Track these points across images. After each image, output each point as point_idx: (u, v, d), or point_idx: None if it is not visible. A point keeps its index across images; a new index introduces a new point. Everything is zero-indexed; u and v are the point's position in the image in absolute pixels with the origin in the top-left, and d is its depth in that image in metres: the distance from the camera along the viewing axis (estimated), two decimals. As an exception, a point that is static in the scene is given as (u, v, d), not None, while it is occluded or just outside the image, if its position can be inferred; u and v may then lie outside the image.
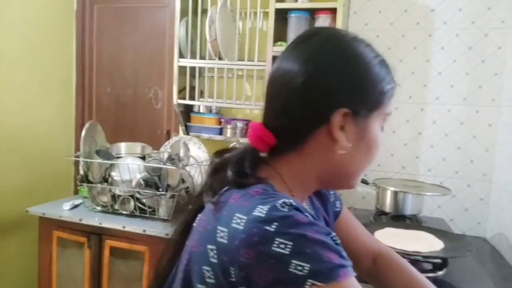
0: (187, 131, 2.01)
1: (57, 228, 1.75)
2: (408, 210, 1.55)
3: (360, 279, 0.53)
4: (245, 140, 1.94)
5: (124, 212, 1.71)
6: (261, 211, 0.48)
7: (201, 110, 2.02)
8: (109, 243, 1.67)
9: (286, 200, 0.50)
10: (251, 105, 1.88)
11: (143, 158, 1.80)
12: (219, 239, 0.50)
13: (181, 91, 1.92)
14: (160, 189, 1.66)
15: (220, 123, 1.99)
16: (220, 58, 1.84)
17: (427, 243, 1.12)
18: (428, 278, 1.03)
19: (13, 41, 1.93)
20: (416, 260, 1.05)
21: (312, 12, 1.73)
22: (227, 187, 0.56)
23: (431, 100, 1.78)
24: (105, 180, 1.74)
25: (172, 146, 1.84)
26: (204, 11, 1.87)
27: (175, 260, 0.60)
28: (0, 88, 1.89)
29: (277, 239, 0.46)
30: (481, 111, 1.71)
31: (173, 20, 1.90)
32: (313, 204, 0.73)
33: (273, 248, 0.46)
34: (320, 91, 0.56)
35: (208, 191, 0.56)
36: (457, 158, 1.75)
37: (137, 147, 1.86)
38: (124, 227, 1.62)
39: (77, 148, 2.22)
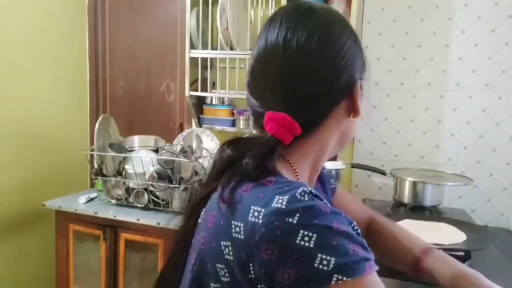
0: (199, 123, 1.99)
1: (73, 221, 1.76)
2: (428, 201, 1.50)
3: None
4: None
5: (138, 205, 1.71)
6: (280, 202, 0.45)
7: (214, 102, 1.99)
8: (124, 236, 1.67)
9: (305, 188, 0.47)
10: (264, 95, 1.85)
11: (156, 151, 1.79)
12: (235, 235, 0.47)
13: (193, 83, 1.90)
14: (173, 182, 1.65)
15: (233, 114, 1.96)
16: (231, 48, 1.81)
17: (448, 235, 1.08)
18: (450, 271, 1.00)
19: (26, 36, 1.94)
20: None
21: (326, -2, 1.68)
22: (236, 179, 0.52)
23: (451, 86, 1.71)
24: (119, 173, 1.74)
25: (184, 138, 1.83)
26: (215, 1, 1.84)
27: (181, 260, 0.57)
28: (15, 82, 1.90)
29: (301, 231, 0.43)
30: (504, 98, 1.64)
31: (184, 11, 1.87)
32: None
33: (297, 242, 0.43)
34: (347, 61, 0.55)
35: (224, 184, 0.52)
36: (479, 146, 1.69)
37: (150, 140, 1.85)
38: (138, 220, 1.62)
39: (92, 142, 2.24)
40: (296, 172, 0.56)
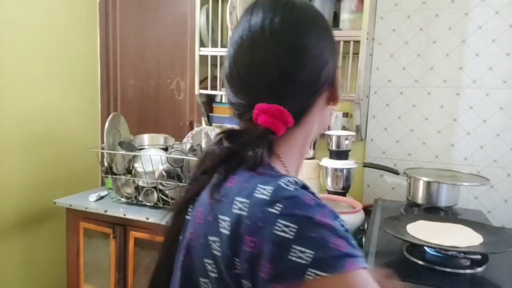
0: (209, 121, 1.98)
1: (84, 219, 1.77)
2: (443, 202, 1.46)
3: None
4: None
5: (147, 204, 1.71)
6: (264, 192, 0.44)
7: (223, 100, 1.98)
8: (133, 234, 1.67)
9: (290, 179, 0.46)
10: (274, 93, 1.82)
11: (165, 149, 1.78)
12: (222, 230, 0.46)
13: (203, 81, 1.89)
14: (182, 180, 1.64)
15: (242, 112, 1.94)
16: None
17: (464, 237, 1.04)
18: (466, 274, 0.96)
19: (37, 35, 1.96)
20: (454, 256, 0.97)
21: (337, -6, 1.65)
22: (227, 173, 0.51)
23: (468, 83, 1.66)
24: (129, 171, 1.74)
25: (194, 137, 1.82)
26: (225, -2, 1.82)
27: (170, 257, 0.55)
28: (26, 82, 1.92)
29: (280, 221, 0.42)
30: (524, 95, 1.58)
31: (194, 9, 1.86)
32: None
33: (275, 232, 0.41)
34: (328, 51, 0.55)
35: (218, 177, 0.51)
36: (496, 145, 1.63)
37: (160, 138, 1.85)
38: (147, 218, 1.61)
39: (102, 140, 2.25)
40: (284, 164, 0.55)
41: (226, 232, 0.45)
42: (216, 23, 1.86)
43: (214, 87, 1.89)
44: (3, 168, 1.82)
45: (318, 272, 0.40)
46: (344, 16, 1.64)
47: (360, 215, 1.43)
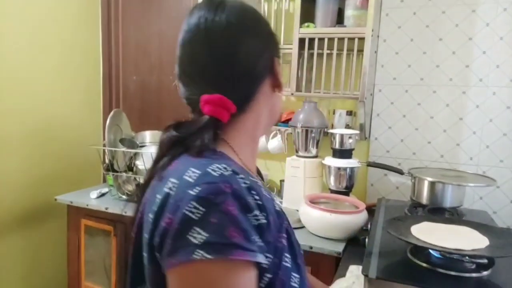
0: (211, 118, 1.96)
1: (85, 216, 1.76)
2: (448, 203, 1.43)
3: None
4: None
5: (149, 201, 1.69)
6: (192, 175, 0.49)
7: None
8: (134, 232, 1.66)
9: (222, 165, 0.50)
10: (277, 90, 1.80)
11: (167, 146, 1.76)
12: (154, 207, 0.50)
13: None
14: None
15: (245, 110, 1.92)
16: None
17: (470, 240, 1.01)
18: (472, 278, 0.94)
19: (39, 31, 1.94)
20: (459, 259, 0.95)
21: (342, -10, 1.62)
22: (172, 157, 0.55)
23: (474, 82, 1.63)
24: (130, 169, 1.73)
25: (196, 134, 1.80)
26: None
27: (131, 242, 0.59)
28: (28, 78, 1.91)
29: (193, 203, 0.45)
30: (532, 94, 1.55)
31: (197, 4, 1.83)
32: None
33: (185, 211, 0.45)
34: (263, 43, 0.60)
35: (164, 164, 0.55)
36: (502, 145, 1.60)
37: (162, 135, 1.83)
38: (148, 216, 1.60)
39: (105, 137, 2.24)
40: (234, 149, 0.59)
41: (155, 208, 0.49)
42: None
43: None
44: (4, 165, 1.82)
45: (204, 254, 0.43)
46: (349, 12, 1.62)
47: (363, 215, 1.41)
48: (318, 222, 1.40)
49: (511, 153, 1.59)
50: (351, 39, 1.60)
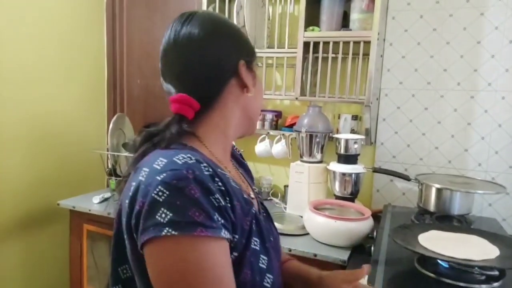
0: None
1: (87, 221, 1.75)
2: (456, 210, 1.40)
3: None
4: (274, 132, 1.85)
5: (151, 206, 1.68)
6: (160, 164, 0.55)
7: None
8: (136, 237, 1.64)
9: (186, 155, 0.56)
10: (281, 95, 1.78)
11: (170, 151, 1.75)
12: (129, 193, 0.56)
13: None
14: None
15: (249, 114, 1.90)
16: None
17: (479, 250, 0.98)
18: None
19: (44, 35, 1.94)
20: (468, 270, 0.92)
21: (348, -7, 1.60)
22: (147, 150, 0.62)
23: (483, 86, 1.60)
24: (132, 173, 1.71)
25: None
26: (232, -2, 1.79)
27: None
28: (33, 81, 1.90)
29: (160, 187, 0.52)
30: (542, 98, 1.51)
31: (201, 8, 1.83)
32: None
33: (153, 195, 0.52)
34: (226, 48, 0.67)
35: (138, 158, 0.62)
36: (511, 151, 1.57)
37: (165, 139, 1.82)
38: (151, 221, 1.58)
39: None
40: (205, 144, 0.66)
41: (131, 194, 0.56)
42: (223, 23, 1.82)
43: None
44: (7, 169, 1.81)
45: (170, 230, 0.50)
46: (354, 16, 1.59)
47: (369, 223, 1.38)
48: (323, 229, 1.37)
49: (521, 159, 1.55)
50: (357, 43, 1.58)
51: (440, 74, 1.65)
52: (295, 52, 1.66)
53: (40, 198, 1.97)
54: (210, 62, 0.66)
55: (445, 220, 1.36)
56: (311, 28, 1.63)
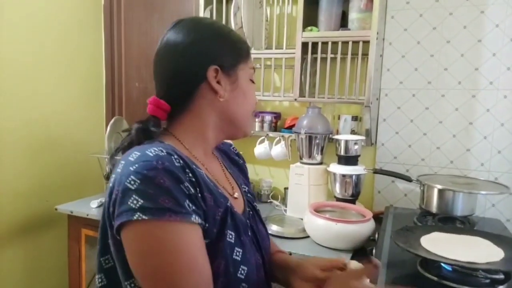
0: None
1: (85, 226, 1.73)
2: (459, 211, 1.37)
3: None
4: (274, 134, 1.83)
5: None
6: (134, 156, 0.58)
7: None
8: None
9: (158, 147, 0.59)
10: (280, 96, 1.76)
11: (168, 154, 1.73)
12: (110, 185, 0.60)
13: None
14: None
15: (248, 116, 1.88)
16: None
17: (484, 252, 0.96)
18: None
19: (42, 39, 1.93)
20: (472, 273, 0.89)
21: (346, -8, 1.58)
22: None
23: (484, 85, 1.57)
24: (130, 177, 1.70)
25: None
26: (230, 0, 1.77)
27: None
28: (30, 84, 1.89)
29: (132, 176, 0.56)
30: (545, 97, 1.49)
31: (199, 10, 1.81)
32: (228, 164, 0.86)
33: (126, 183, 0.56)
34: (197, 55, 0.69)
35: (120, 153, 0.67)
36: (515, 150, 1.54)
37: (163, 142, 1.80)
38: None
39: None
40: (182, 143, 0.70)
41: (110, 185, 0.60)
42: (221, 24, 1.81)
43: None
44: (5, 174, 1.80)
45: (141, 215, 0.54)
46: (353, 15, 1.58)
47: (370, 225, 1.35)
48: (323, 231, 1.35)
49: (524, 158, 1.53)
50: (356, 43, 1.56)
51: (441, 74, 1.63)
52: (294, 53, 1.64)
53: (38, 202, 1.96)
54: (179, 68, 0.69)
55: (447, 221, 1.34)
56: (309, 28, 1.61)
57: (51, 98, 2.00)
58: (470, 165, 1.61)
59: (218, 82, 0.70)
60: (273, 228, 1.48)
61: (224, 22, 1.78)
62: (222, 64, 0.70)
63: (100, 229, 0.64)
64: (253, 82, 0.76)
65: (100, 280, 0.66)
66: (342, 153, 1.59)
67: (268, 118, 1.85)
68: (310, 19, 1.64)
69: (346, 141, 1.58)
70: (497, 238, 1.05)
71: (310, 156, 1.66)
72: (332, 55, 1.60)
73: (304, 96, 1.69)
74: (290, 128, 1.79)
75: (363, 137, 1.62)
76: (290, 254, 1.33)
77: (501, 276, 0.90)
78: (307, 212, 1.43)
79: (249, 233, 0.73)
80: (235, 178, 0.83)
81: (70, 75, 2.11)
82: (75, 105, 2.15)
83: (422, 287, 0.93)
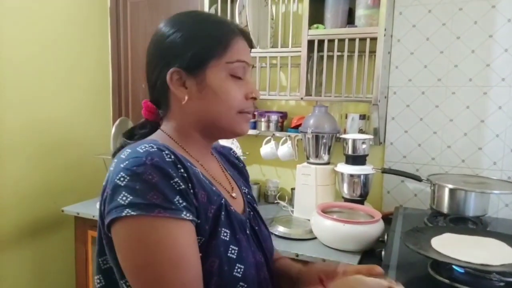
0: (220, 125, 1.91)
1: (91, 227, 1.73)
2: (471, 211, 1.33)
3: None
4: (280, 134, 1.81)
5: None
6: (125, 154, 0.58)
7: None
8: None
9: (147, 145, 0.59)
10: (286, 95, 1.74)
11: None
12: (104, 184, 0.60)
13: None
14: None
15: (254, 116, 1.87)
16: (251, 47, 1.71)
17: (497, 254, 0.92)
18: (501, 297, 0.85)
19: (49, 41, 1.93)
20: (486, 276, 0.86)
21: (352, -11, 1.56)
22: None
23: (496, 82, 1.53)
24: (136, 178, 1.69)
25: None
26: (235, -3, 1.75)
27: None
28: (36, 87, 1.90)
29: (121, 173, 0.56)
30: (560, 93, 1.44)
31: (204, 10, 1.80)
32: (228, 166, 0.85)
33: (115, 180, 0.56)
34: (158, 56, 0.68)
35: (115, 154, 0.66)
36: (529, 149, 1.50)
37: (169, 143, 1.79)
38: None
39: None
40: (177, 142, 0.69)
41: (104, 183, 0.60)
42: (226, 24, 1.79)
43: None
44: (12, 175, 1.80)
45: (130, 211, 0.54)
46: (360, 12, 1.55)
47: (379, 226, 1.32)
48: (331, 233, 1.32)
49: (538, 156, 1.48)
50: (363, 40, 1.53)
51: (451, 70, 1.59)
52: (300, 51, 1.61)
53: (45, 204, 1.96)
54: (149, 70, 0.70)
55: (459, 222, 1.30)
56: (315, 26, 1.59)
57: (58, 100, 2.01)
58: (482, 164, 1.57)
59: (184, 83, 0.66)
60: (279, 229, 1.46)
61: (229, 21, 1.77)
62: (183, 65, 0.66)
63: (98, 229, 0.64)
64: (237, 77, 0.68)
65: (98, 281, 0.66)
66: (350, 152, 1.56)
67: (274, 117, 1.83)
68: (316, 17, 1.61)
69: (354, 140, 1.55)
70: (510, 238, 1.01)
71: (317, 156, 1.63)
72: (339, 53, 1.57)
73: (311, 95, 1.67)
74: (296, 127, 1.77)
75: (371, 136, 1.59)
76: (297, 255, 1.31)
77: (517, 279, 0.86)
78: (314, 213, 1.40)
79: (248, 232, 0.71)
80: (235, 180, 0.81)
81: (76, 77, 2.11)
82: (82, 107, 2.16)
83: (433, 290, 0.90)
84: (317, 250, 1.33)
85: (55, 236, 2.03)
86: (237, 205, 0.73)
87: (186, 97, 0.66)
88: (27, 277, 1.92)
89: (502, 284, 0.87)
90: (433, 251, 0.92)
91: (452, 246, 0.95)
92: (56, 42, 1.98)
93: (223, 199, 0.67)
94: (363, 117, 1.71)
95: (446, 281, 0.90)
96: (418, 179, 1.49)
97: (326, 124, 1.61)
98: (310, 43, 1.60)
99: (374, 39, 1.49)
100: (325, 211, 1.41)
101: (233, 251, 0.63)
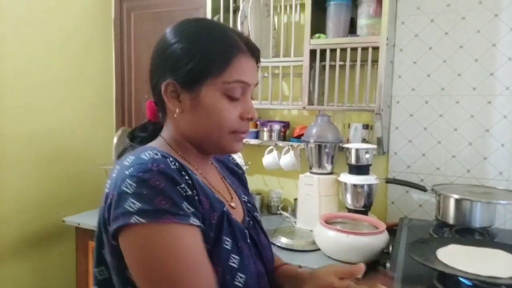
0: (222, 135, 1.90)
1: (93, 238, 1.70)
2: (477, 222, 1.31)
3: None
4: (283, 143, 1.80)
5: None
6: (129, 160, 0.58)
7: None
8: (142, 254, 1.59)
9: (152, 151, 0.59)
10: (289, 105, 1.73)
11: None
12: (106, 190, 0.60)
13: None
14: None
15: (256, 125, 1.86)
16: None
17: (505, 265, 0.90)
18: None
19: (52, 52, 1.95)
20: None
21: (354, -2, 1.56)
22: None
23: (500, 90, 1.52)
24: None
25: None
26: (237, 9, 1.76)
27: None
28: (41, 97, 1.90)
29: (127, 180, 0.55)
30: None
31: (206, 20, 1.81)
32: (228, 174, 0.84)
33: (121, 187, 0.55)
34: (159, 67, 0.67)
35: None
36: (535, 158, 1.48)
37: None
38: (156, 238, 1.53)
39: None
40: (175, 150, 0.68)
41: (106, 190, 0.60)
42: (228, 34, 1.80)
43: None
44: (13, 186, 1.80)
45: (139, 219, 0.53)
46: (362, 21, 1.55)
47: (384, 237, 1.30)
48: (334, 244, 1.30)
49: (545, 166, 1.46)
50: (365, 49, 1.53)
51: (454, 79, 1.58)
52: (302, 61, 1.61)
53: (46, 215, 1.95)
54: (152, 74, 0.69)
55: (465, 233, 1.27)
56: (317, 35, 1.59)
57: (61, 110, 2.02)
58: (488, 174, 1.55)
59: (178, 96, 0.65)
60: (282, 240, 1.43)
61: (231, 31, 1.77)
62: (179, 79, 0.64)
63: (96, 238, 0.63)
64: (232, 98, 0.65)
65: None
66: (353, 162, 1.55)
67: (276, 127, 1.82)
68: (318, 27, 1.62)
69: (357, 150, 1.54)
70: (519, 250, 0.98)
71: (320, 165, 1.61)
72: (341, 63, 1.57)
73: (313, 104, 1.66)
74: (299, 137, 1.76)
75: (375, 146, 1.58)
76: (300, 267, 1.28)
77: (526, 292, 0.84)
78: (317, 223, 1.38)
79: (248, 241, 0.70)
80: (234, 189, 0.80)
81: (79, 87, 2.12)
82: (85, 118, 2.16)
83: (439, 303, 0.87)
84: (320, 261, 1.31)
85: (56, 247, 2.02)
86: (237, 214, 0.72)
87: (178, 110, 0.65)
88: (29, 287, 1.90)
89: (511, 297, 0.85)
90: (439, 263, 0.90)
91: (458, 258, 0.92)
92: (60, 53, 2.00)
93: (225, 207, 0.66)
94: (366, 126, 1.70)
95: (453, 294, 0.87)
96: (423, 189, 1.47)
97: (329, 133, 1.60)
98: (312, 52, 1.60)
99: (376, 49, 1.49)
100: (329, 221, 1.39)
101: (234, 260, 0.63)
